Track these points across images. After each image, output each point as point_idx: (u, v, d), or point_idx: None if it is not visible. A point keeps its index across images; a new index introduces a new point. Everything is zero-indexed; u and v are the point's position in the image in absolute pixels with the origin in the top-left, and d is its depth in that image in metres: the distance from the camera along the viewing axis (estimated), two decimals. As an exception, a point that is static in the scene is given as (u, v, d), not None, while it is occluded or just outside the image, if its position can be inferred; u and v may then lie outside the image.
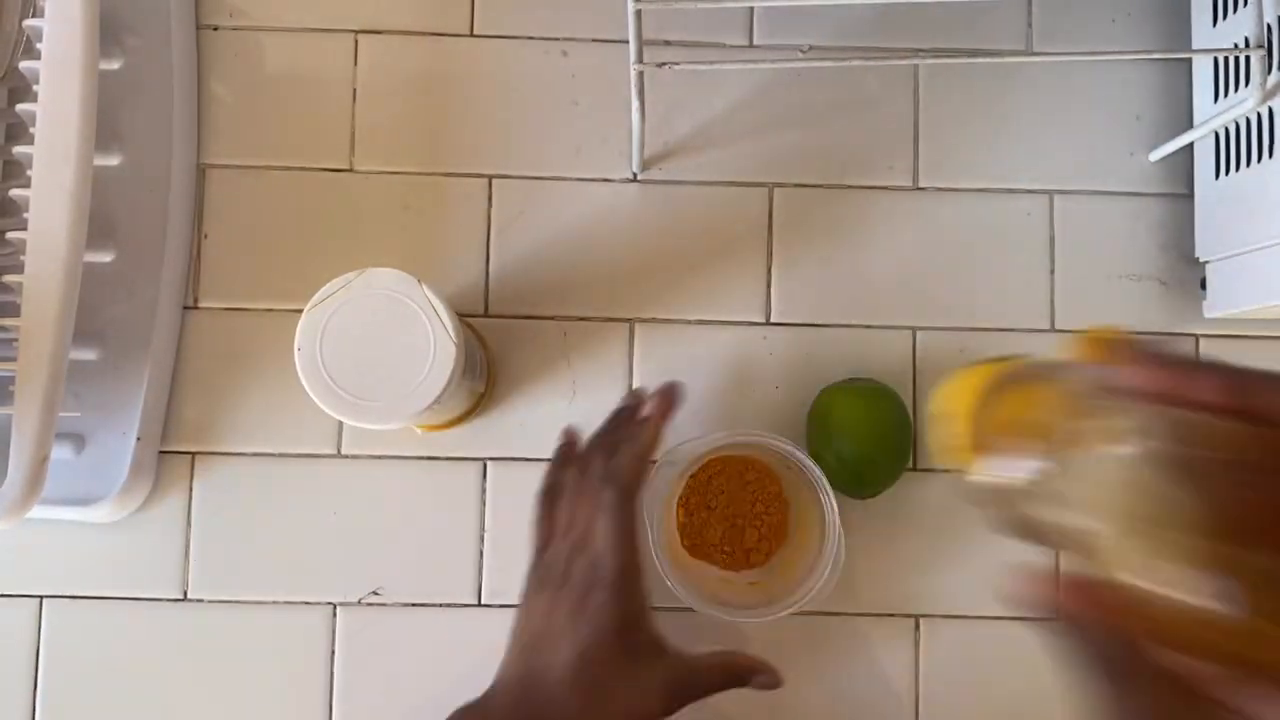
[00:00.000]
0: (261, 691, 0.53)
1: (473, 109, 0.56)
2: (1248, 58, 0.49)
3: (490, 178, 0.56)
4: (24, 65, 0.44)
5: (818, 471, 0.48)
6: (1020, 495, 0.27)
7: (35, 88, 0.43)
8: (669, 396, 0.47)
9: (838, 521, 0.48)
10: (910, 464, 0.53)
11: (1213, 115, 0.52)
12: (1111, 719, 0.25)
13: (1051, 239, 0.56)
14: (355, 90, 0.56)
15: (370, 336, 0.43)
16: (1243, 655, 0.21)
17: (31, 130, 0.43)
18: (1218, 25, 0.53)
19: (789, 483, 0.53)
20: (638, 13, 0.44)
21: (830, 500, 0.48)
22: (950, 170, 0.56)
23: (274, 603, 0.53)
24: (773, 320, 0.55)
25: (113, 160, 0.53)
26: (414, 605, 0.53)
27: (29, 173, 0.42)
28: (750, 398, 0.55)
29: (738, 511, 0.53)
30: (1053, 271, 0.56)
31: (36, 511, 0.42)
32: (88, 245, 0.43)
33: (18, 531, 0.44)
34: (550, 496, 0.48)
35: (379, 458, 0.54)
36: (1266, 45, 0.44)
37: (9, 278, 0.43)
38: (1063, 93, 0.57)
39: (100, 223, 0.51)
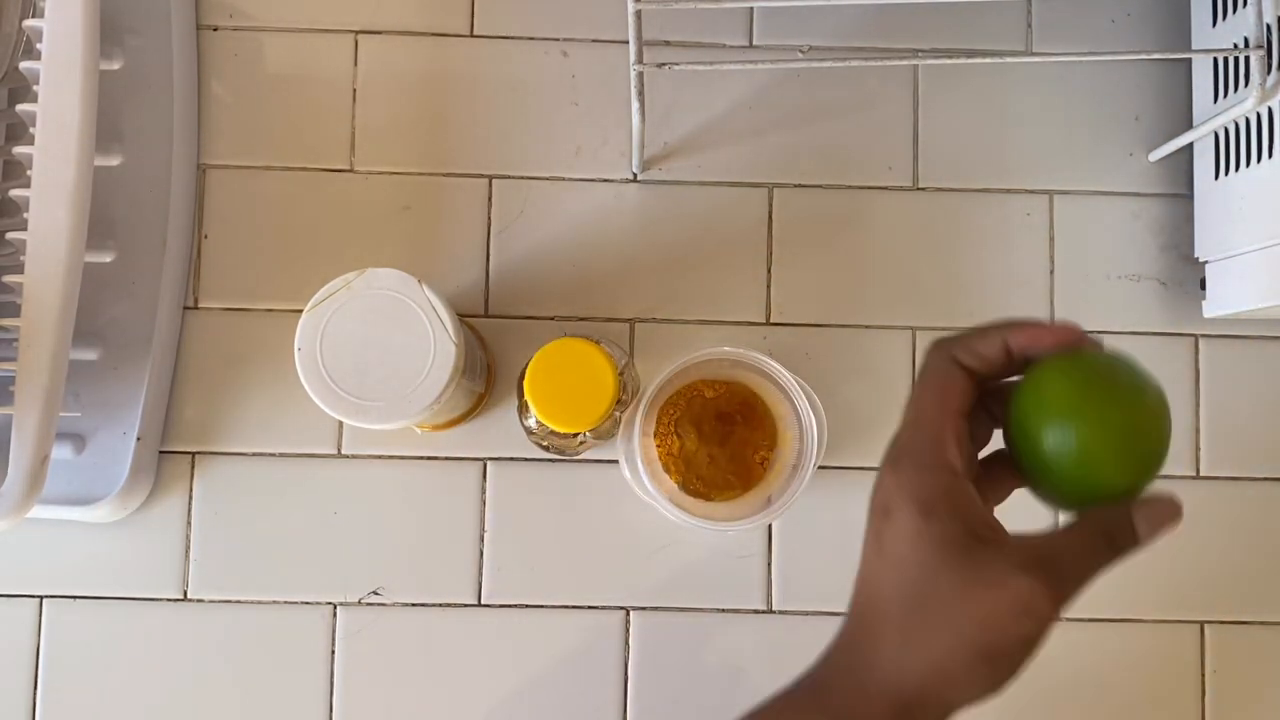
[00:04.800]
0: (261, 691, 0.53)
1: (473, 109, 0.56)
2: (1247, 58, 0.49)
3: (490, 178, 0.56)
4: (24, 65, 0.44)
5: (774, 364, 0.45)
6: None
7: (35, 88, 0.43)
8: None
9: (812, 417, 0.46)
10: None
11: (1212, 115, 0.52)
12: None
13: (1051, 239, 0.56)
14: (355, 90, 0.56)
15: (370, 336, 0.43)
16: None
17: (31, 130, 0.43)
18: (1217, 25, 0.53)
19: (757, 385, 0.51)
20: (638, 13, 0.44)
21: (800, 396, 0.46)
22: (950, 170, 0.56)
23: (274, 603, 0.53)
24: (773, 320, 0.55)
25: (113, 160, 0.53)
26: (414, 605, 0.53)
27: (29, 173, 0.42)
28: (750, 398, 0.55)
29: (725, 437, 0.51)
30: (1052, 271, 0.56)
31: (36, 511, 0.42)
32: (88, 245, 0.43)
33: (18, 531, 0.44)
34: None
35: (379, 458, 0.54)
36: (1266, 45, 0.44)
37: (9, 278, 0.43)
38: (1062, 93, 0.57)
39: (100, 223, 0.51)
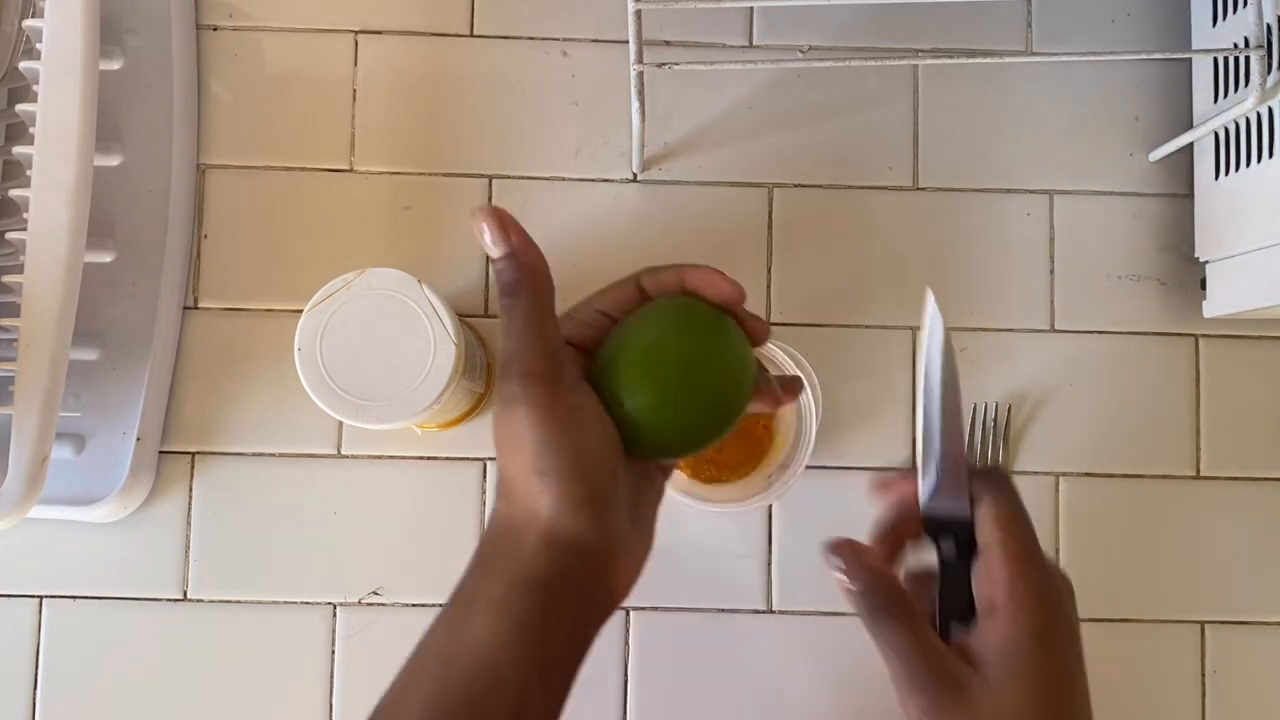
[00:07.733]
0: (261, 691, 0.53)
1: (473, 109, 0.56)
2: (1247, 58, 0.49)
3: (490, 178, 0.56)
4: (24, 65, 0.44)
5: (771, 348, 0.48)
6: None
7: (35, 88, 0.43)
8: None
9: (798, 372, 0.48)
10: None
11: (1212, 115, 0.52)
12: None
13: (1051, 239, 0.56)
14: (355, 90, 0.56)
15: (370, 336, 0.43)
16: None
17: (31, 130, 0.43)
18: (1217, 25, 0.53)
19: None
20: (638, 13, 0.44)
21: (777, 353, 0.48)
22: (950, 170, 0.56)
23: (274, 603, 0.53)
24: (773, 320, 0.55)
25: (113, 160, 0.53)
26: (414, 605, 0.53)
27: (29, 173, 0.42)
28: (750, 398, 0.55)
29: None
30: (1052, 272, 0.56)
31: (36, 511, 0.42)
32: (88, 245, 0.43)
33: (18, 531, 0.44)
34: None
35: (379, 458, 0.54)
36: (1266, 45, 0.44)
37: (9, 278, 0.43)
38: (1062, 93, 0.57)
39: (100, 223, 0.51)
